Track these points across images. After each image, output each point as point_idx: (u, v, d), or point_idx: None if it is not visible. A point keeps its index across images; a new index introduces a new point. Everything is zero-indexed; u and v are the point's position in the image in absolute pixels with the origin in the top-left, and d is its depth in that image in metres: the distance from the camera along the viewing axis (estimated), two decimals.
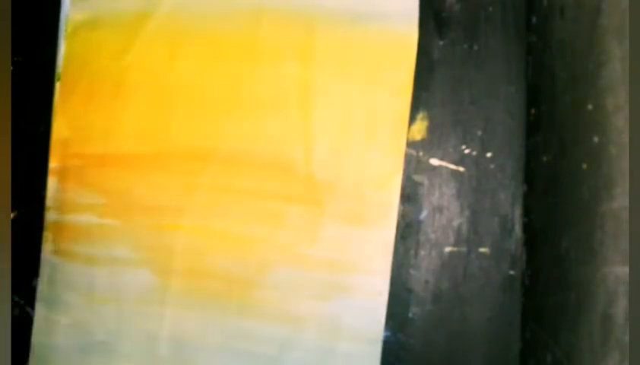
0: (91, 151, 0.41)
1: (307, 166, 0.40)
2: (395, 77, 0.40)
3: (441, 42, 0.41)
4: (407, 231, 0.40)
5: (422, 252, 0.40)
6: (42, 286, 0.41)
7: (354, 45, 0.40)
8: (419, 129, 0.41)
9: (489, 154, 0.40)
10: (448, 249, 0.40)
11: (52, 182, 0.42)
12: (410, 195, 0.40)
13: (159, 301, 0.40)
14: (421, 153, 0.41)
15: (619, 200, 0.30)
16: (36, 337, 0.41)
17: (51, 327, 0.41)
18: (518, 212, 0.40)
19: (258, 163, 0.40)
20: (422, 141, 0.41)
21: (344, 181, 0.39)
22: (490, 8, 0.41)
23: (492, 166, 0.40)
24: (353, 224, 0.39)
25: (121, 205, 0.41)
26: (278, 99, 0.40)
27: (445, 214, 0.40)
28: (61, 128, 0.42)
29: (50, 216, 0.42)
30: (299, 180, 0.40)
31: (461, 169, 0.41)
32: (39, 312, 0.41)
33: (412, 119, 0.41)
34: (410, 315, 0.40)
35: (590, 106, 0.34)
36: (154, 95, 0.41)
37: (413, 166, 0.41)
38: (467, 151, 0.41)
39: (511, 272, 0.40)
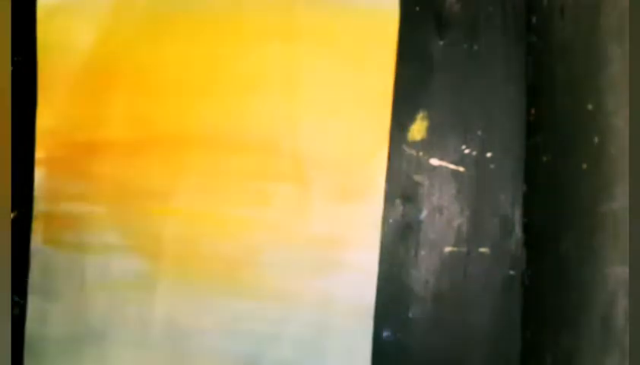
0: (78, 139, 0.41)
1: (293, 145, 0.40)
2: (378, 54, 0.40)
3: (441, 42, 0.41)
4: (407, 231, 0.40)
5: (422, 252, 0.40)
6: (33, 276, 0.41)
7: (337, 22, 0.40)
8: (419, 129, 0.41)
9: (489, 154, 0.40)
10: (448, 249, 0.40)
11: (39, 173, 0.41)
12: (410, 195, 0.40)
13: (151, 286, 0.40)
14: (421, 153, 0.41)
15: (619, 200, 0.30)
16: (30, 326, 0.41)
17: (44, 316, 0.41)
18: (518, 212, 0.40)
19: (245, 144, 0.40)
20: (422, 141, 0.41)
21: (330, 158, 0.40)
22: (490, 8, 0.41)
23: (492, 166, 0.40)
24: (341, 200, 0.40)
25: (109, 192, 0.41)
26: (263, 79, 0.40)
27: (445, 214, 0.40)
28: (45, 117, 0.42)
29: (39, 206, 0.41)
30: (286, 159, 0.40)
31: (461, 169, 0.40)
32: (32, 303, 0.41)
33: (412, 119, 0.41)
34: (410, 315, 0.40)
35: (590, 106, 0.34)
36: (139, 79, 0.41)
37: (413, 166, 0.41)
38: (467, 151, 0.41)
39: (511, 272, 0.40)
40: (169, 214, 0.40)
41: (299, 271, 0.39)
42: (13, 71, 0.42)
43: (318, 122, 0.40)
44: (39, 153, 0.41)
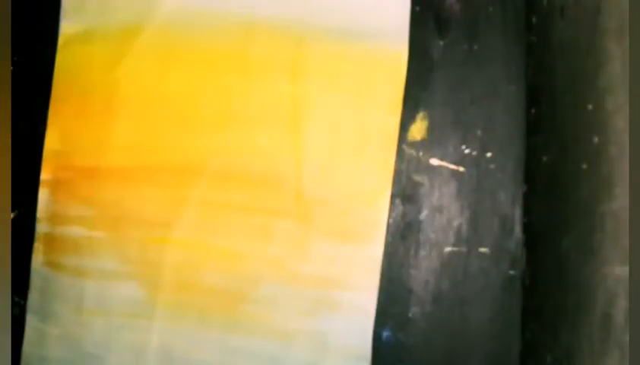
0: (82, 164, 0.41)
1: (297, 182, 0.40)
2: (385, 94, 0.40)
3: (441, 42, 0.41)
4: (407, 231, 0.40)
5: (423, 252, 0.40)
6: (32, 297, 0.41)
7: (345, 61, 0.40)
8: (419, 129, 0.41)
9: (489, 154, 0.40)
10: (448, 249, 0.40)
11: (43, 194, 0.42)
12: (410, 195, 0.40)
13: (147, 315, 0.40)
14: (421, 153, 0.41)
15: (619, 200, 0.30)
16: (28, 347, 0.41)
17: (42, 338, 0.41)
18: (518, 212, 0.40)
19: (248, 178, 0.40)
20: (422, 141, 0.41)
21: (334, 197, 0.39)
22: (490, 8, 0.41)
23: (492, 166, 0.40)
24: (342, 240, 0.39)
25: (110, 218, 0.41)
26: (269, 114, 0.40)
27: (445, 214, 0.40)
28: (52, 140, 0.42)
29: (41, 227, 0.42)
30: (288, 195, 0.40)
31: (461, 169, 0.41)
32: (31, 323, 0.41)
33: (412, 119, 0.41)
34: (410, 315, 0.40)
35: (590, 106, 0.34)
36: (145, 109, 0.41)
37: (413, 166, 0.41)
38: (467, 151, 0.41)
39: (511, 272, 0.40)
40: (168, 243, 0.40)
41: (296, 309, 0.39)
42: (14, 72, 0.43)
43: (322, 160, 0.40)
44: (44, 175, 0.42)
